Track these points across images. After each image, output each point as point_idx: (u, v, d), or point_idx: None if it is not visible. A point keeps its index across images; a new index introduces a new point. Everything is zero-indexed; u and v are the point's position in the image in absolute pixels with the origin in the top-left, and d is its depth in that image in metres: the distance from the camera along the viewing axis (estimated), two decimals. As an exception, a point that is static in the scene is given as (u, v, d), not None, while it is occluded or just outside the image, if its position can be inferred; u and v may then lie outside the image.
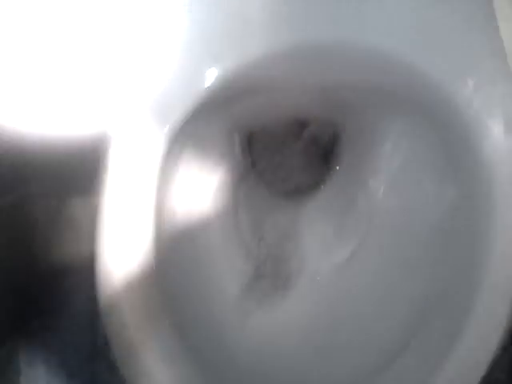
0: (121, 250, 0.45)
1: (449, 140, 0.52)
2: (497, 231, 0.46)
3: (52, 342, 0.75)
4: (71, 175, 0.69)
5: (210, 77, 0.46)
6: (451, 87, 0.46)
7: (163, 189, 0.48)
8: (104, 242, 0.45)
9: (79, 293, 0.74)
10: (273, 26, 0.46)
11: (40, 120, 0.58)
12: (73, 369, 0.75)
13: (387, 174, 0.62)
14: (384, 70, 0.50)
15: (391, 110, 0.58)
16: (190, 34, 0.45)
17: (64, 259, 0.74)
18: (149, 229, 0.46)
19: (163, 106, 0.46)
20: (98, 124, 0.63)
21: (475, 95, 0.45)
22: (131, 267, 0.45)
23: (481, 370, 0.45)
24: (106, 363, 0.73)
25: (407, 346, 0.51)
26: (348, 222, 0.66)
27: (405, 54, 0.46)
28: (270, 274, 0.63)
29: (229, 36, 0.46)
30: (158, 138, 0.45)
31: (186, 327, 0.51)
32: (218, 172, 0.64)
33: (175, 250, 0.55)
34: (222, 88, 0.46)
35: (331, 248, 0.66)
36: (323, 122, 0.67)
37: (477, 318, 0.45)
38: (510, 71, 0.46)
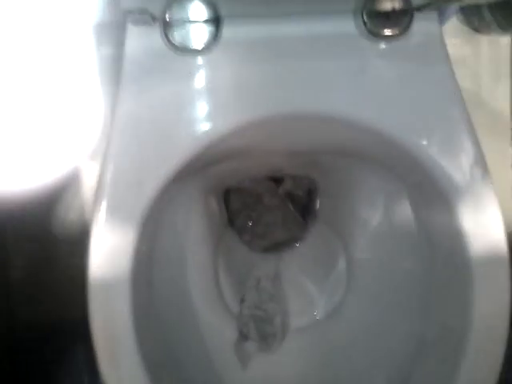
0: (105, 306, 0.44)
1: (418, 194, 0.54)
2: (474, 284, 0.46)
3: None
4: (50, 239, 0.69)
5: (187, 146, 0.46)
6: (414, 147, 0.47)
7: (143, 251, 0.48)
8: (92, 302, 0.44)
9: (60, 355, 0.73)
10: (246, 99, 0.47)
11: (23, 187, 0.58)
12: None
13: (365, 230, 0.63)
14: (352, 136, 0.51)
15: (363, 169, 0.59)
16: (165, 108, 0.46)
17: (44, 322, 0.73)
18: (127, 289, 0.45)
19: (144, 169, 0.46)
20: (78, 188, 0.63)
21: (434, 149, 0.47)
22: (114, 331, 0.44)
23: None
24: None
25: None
26: (329, 276, 0.66)
27: (372, 120, 0.48)
28: (255, 335, 0.61)
29: (204, 109, 0.46)
30: (137, 202, 0.45)
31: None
32: (197, 231, 0.64)
33: (157, 315, 0.53)
34: (198, 155, 0.47)
35: (314, 304, 0.66)
36: (298, 179, 0.68)
37: (471, 359, 0.46)
38: (470, 130, 0.48)
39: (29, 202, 0.59)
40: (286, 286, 0.67)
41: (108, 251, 0.45)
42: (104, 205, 0.45)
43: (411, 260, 0.57)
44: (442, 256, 0.52)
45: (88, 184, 0.67)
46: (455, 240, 0.48)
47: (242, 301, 0.65)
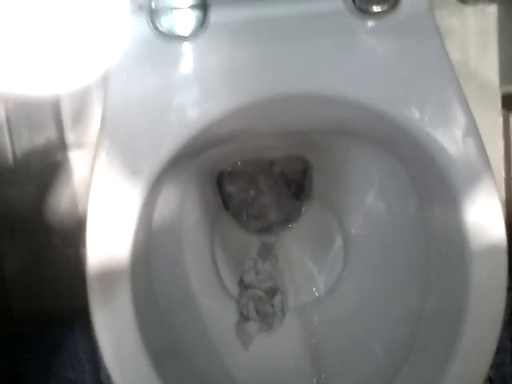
0: (106, 299, 0.45)
1: (412, 168, 0.54)
2: (472, 260, 0.46)
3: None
4: (44, 231, 0.69)
5: (179, 133, 0.46)
6: (407, 120, 0.47)
7: (141, 240, 0.48)
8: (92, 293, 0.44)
9: (61, 347, 0.73)
10: (237, 82, 0.46)
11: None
12: None
13: (360, 206, 0.63)
14: (344, 113, 0.51)
15: (356, 146, 0.59)
16: (155, 95, 0.46)
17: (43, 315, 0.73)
18: (128, 280, 0.45)
19: (137, 158, 0.45)
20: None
21: (428, 122, 0.47)
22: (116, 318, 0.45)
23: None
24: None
25: (403, 366, 0.51)
26: (326, 254, 0.67)
27: (363, 96, 0.47)
28: (255, 316, 0.62)
29: (194, 95, 0.46)
30: (133, 192, 0.45)
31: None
32: (193, 216, 0.64)
33: (157, 302, 0.54)
34: (190, 141, 0.46)
35: (313, 282, 0.67)
36: (291, 159, 0.68)
37: (468, 336, 0.46)
38: (462, 102, 0.48)
39: (20, 195, 0.58)
40: (284, 265, 0.67)
41: (106, 241, 0.45)
42: (99, 195, 0.45)
43: (408, 235, 0.58)
44: (439, 229, 0.52)
45: (80, 175, 0.66)
46: (452, 213, 0.48)
47: (241, 282, 0.65)
